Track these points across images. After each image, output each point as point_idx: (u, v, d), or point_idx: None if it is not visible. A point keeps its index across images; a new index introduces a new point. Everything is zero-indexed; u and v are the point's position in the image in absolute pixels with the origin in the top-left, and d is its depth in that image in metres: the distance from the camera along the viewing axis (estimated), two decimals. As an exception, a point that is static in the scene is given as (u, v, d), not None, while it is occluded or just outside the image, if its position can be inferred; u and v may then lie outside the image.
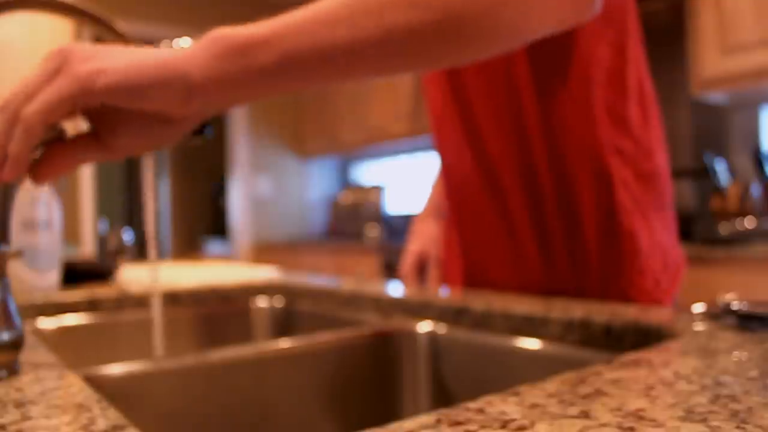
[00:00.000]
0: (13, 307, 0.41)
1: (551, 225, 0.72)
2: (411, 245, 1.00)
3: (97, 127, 0.46)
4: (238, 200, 4.15)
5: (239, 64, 0.42)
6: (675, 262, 0.77)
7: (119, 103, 0.42)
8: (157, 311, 0.71)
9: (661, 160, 0.75)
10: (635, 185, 0.72)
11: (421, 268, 0.97)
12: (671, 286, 0.75)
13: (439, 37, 0.44)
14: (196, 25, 3.91)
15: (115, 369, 0.54)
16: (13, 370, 0.40)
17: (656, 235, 0.73)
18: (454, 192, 0.84)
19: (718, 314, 0.52)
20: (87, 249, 3.41)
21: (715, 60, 2.03)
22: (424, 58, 0.46)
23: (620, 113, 0.70)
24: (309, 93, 4.19)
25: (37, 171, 0.44)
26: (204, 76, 0.42)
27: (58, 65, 0.41)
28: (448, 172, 0.84)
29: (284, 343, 0.63)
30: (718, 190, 2.13)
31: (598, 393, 0.32)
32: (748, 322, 0.48)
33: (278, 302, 0.98)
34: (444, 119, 0.82)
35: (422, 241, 0.98)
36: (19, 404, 0.33)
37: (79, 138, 0.46)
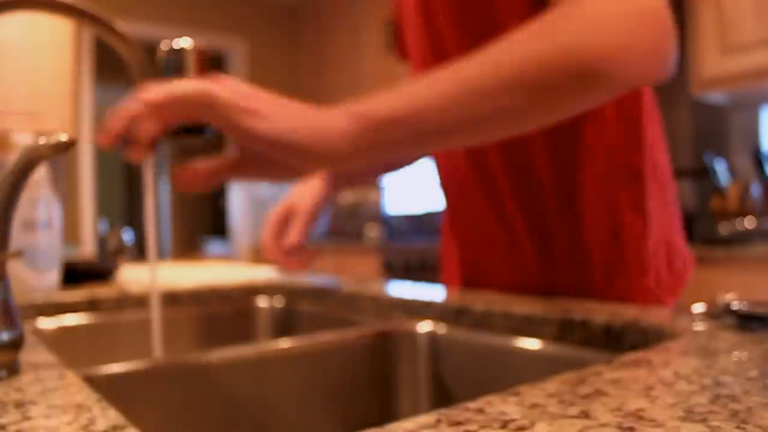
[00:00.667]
0: (13, 307, 0.41)
1: (551, 224, 0.72)
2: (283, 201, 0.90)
3: (237, 157, 0.53)
4: (238, 200, 4.15)
5: (374, 139, 0.48)
6: (682, 259, 0.77)
7: (269, 151, 0.48)
8: (156, 311, 0.71)
9: (663, 157, 0.75)
10: (639, 181, 0.72)
11: (285, 223, 0.86)
12: (676, 284, 0.75)
13: (544, 112, 0.51)
14: (196, 25, 3.91)
15: (115, 369, 0.54)
16: (13, 370, 0.40)
17: (660, 232, 0.73)
18: (449, 193, 0.84)
19: (718, 314, 0.52)
20: (87, 249, 3.41)
21: (715, 60, 2.03)
22: (528, 125, 0.52)
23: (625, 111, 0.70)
24: (308, 93, 4.20)
25: (178, 180, 0.52)
26: (350, 149, 0.48)
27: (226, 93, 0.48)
28: (443, 173, 0.84)
29: (284, 343, 0.63)
30: (718, 190, 2.13)
31: (598, 393, 0.32)
32: (748, 322, 0.48)
33: (278, 302, 0.98)
34: None
35: (294, 195, 0.88)
36: (19, 404, 0.33)
37: (218, 160, 0.53)
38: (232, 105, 0.47)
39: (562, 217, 0.72)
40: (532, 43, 0.49)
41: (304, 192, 0.86)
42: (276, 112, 0.47)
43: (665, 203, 0.75)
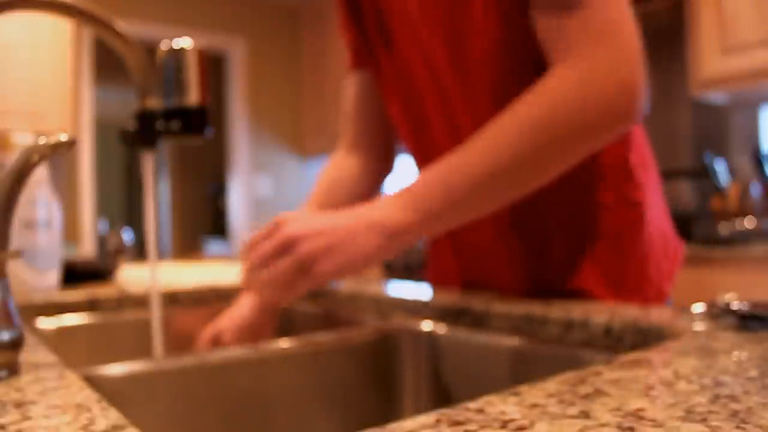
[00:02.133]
0: (13, 307, 0.41)
1: (552, 229, 0.72)
2: (216, 322, 0.82)
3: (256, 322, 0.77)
4: (238, 200, 4.15)
5: (430, 226, 0.60)
6: (674, 246, 0.78)
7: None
8: (156, 311, 0.71)
9: (647, 150, 0.76)
10: (633, 176, 0.72)
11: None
12: (672, 271, 0.76)
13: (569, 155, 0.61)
14: (196, 25, 3.91)
15: (115, 369, 0.54)
16: (13, 370, 0.40)
17: (656, 224, 0.74)
18: None
19: (718, 314, 0.52)
20: (87, 249, 3.41)
21: (715, 60, 2.03)
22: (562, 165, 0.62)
23: None
24: (308, 93, 4.20)
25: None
26: (412, 239, 0.59)
27: (295, 256, 0.55)
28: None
29: (284, 343, 0.63)
30: (718, 190, 2.13)
31: (598, 393, 0.32)
32: (748, 322, 0.48)
33: (278, 302, 0.98)
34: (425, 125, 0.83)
35: (224, 319, 0.81)
36: (19, 404, 0.33)
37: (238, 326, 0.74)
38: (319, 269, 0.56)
39: (563, 218, 0.71)
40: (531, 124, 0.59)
41: (231, 313, 0.81)
42: (334, 243, 0.55)
43: (657, 193, 0.76)
